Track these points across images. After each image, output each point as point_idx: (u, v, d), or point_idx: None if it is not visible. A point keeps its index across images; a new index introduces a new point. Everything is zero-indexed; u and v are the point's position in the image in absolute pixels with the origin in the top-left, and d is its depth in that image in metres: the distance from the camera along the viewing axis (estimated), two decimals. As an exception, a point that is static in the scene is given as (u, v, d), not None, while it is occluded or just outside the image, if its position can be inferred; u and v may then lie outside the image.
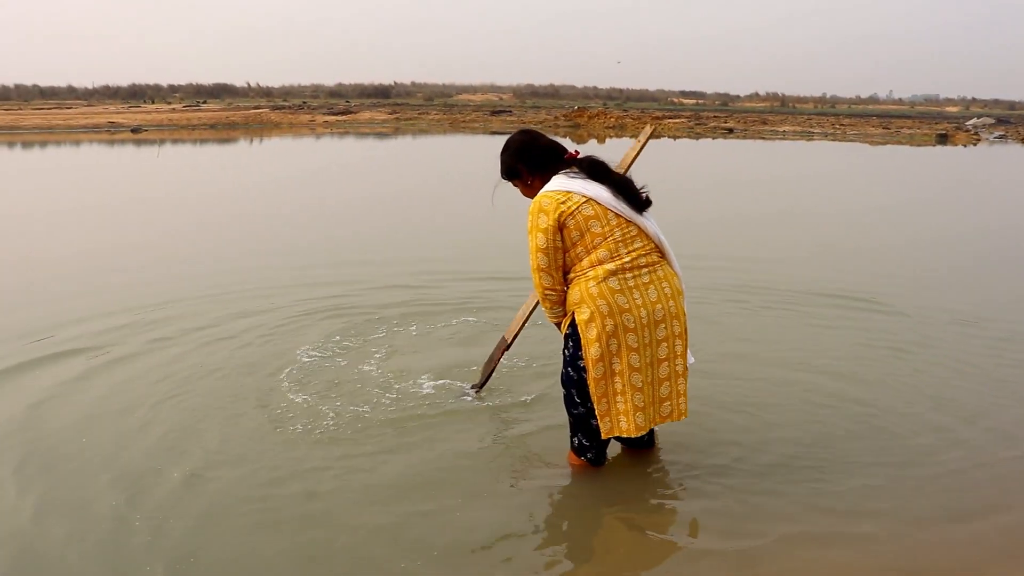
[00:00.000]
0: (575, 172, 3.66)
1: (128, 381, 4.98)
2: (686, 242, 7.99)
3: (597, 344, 3.50)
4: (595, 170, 3.67)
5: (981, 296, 7.40)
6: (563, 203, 3.54)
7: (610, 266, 3.51)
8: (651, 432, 4.06)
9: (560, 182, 3.62)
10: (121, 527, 3.39)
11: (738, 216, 12.27)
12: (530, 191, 3.80)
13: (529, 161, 3.78)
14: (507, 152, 3.84)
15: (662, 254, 3.69)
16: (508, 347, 4.68)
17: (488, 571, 3.20)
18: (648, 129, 4.27)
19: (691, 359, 3.75)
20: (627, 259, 3.54)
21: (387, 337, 5.83)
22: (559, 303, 3.69)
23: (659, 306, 3.54)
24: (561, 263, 3.60)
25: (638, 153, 4.20)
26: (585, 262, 3.55)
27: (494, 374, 4.82)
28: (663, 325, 3.55)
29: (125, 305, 6.52)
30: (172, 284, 7.29)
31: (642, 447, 4.09)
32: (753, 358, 5.54)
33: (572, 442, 3.87)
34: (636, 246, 3.58)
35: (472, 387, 4.83)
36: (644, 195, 3.69)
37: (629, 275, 3.52)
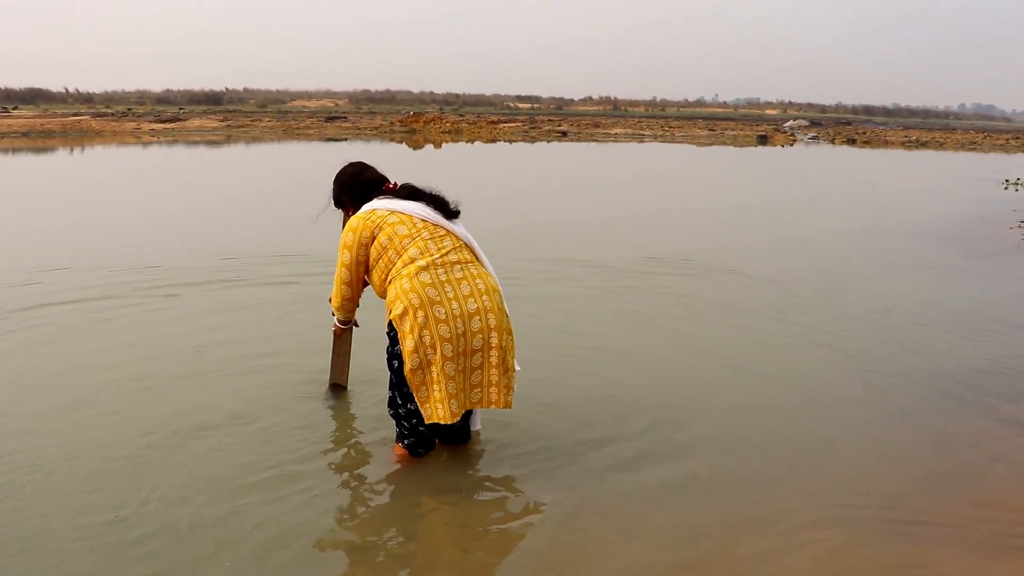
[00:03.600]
0: (387, 197, 4.01)
1: None
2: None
3: (411, 336, 3.69)
4: (409, 193, 4.02)
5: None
6: (368, 219, 3.90)
7: (421, 262, 3.76)
8: (467, 428, 4.23)
9: (369, 205, 3.99)
10: None
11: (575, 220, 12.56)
12: None
13: (352, 193, 4.15)
14: (335, 184, 4.22)
15: (474, 254, 3.98)
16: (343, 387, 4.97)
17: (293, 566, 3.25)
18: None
19: (518, 367, 3.99)
20: (437, 255, 3.80)
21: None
22: (351, 312, 4.28)
23: (471, 300, 3.75)
24: (361, 277, 4.00)
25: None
26: (399, 263, 3.80)
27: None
28: (477, 318, 3.74)
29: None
30: None
31: (457, 442, 4.25)
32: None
33: (396, 431, 4.08)
34: (446, 244, 3.86)
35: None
36: (453, 207, 4.03)
37: (441, 271, 3.76)
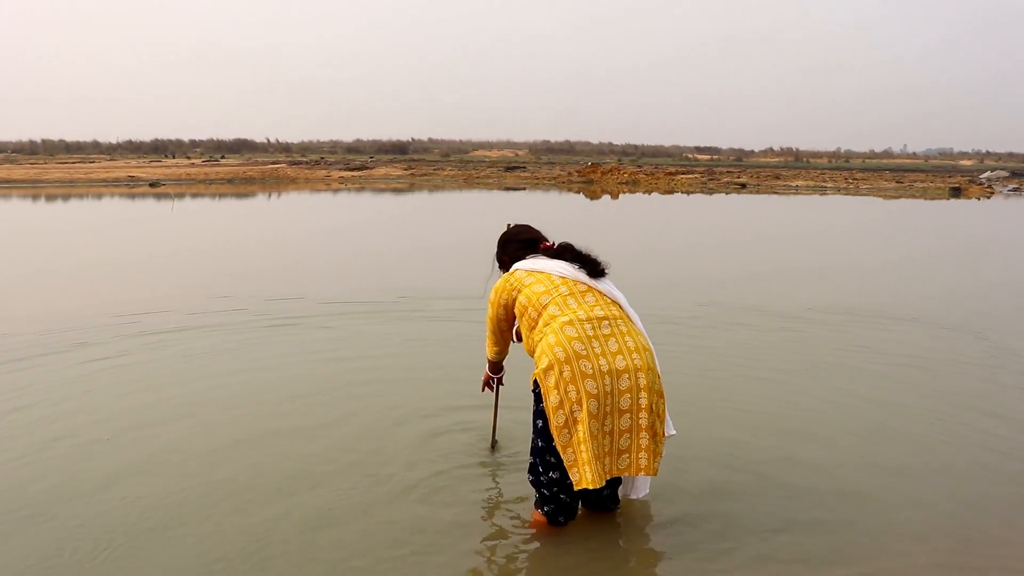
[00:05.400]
0: (537, 256, 3.95)
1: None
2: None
3: (556, 391, 3.50)
4: (558, 252, 3.95)
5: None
6: (507, 281, 3.89)
7: (564, 319, 3.60)
8: (615, 495, 3.93)
9: (516, 265, 3.96)
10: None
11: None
12: None
13: (508, 252, 4.14)
14: (497, 245, 4.24)
15: (621, 310, 3.77)
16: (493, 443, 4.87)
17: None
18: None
19: (671, 430, 3.77)
20: (580, 311, 3.64)
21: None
22: (500, 359, 4.32)
23: (620, 357, 3.53)
24: (505, 332, 4.10)
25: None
26: (540, 322, 3.69)
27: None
28: (626, 376, 3.52)
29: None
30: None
31: (603, 509, 3.95)
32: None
33: (535, 496, 3.82)
34: (588, 300, 3.71)
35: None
36: (601, 265, 3.89)
37: (588, 325, 3.59)
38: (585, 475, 3.47)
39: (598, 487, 3.49)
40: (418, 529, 3.84)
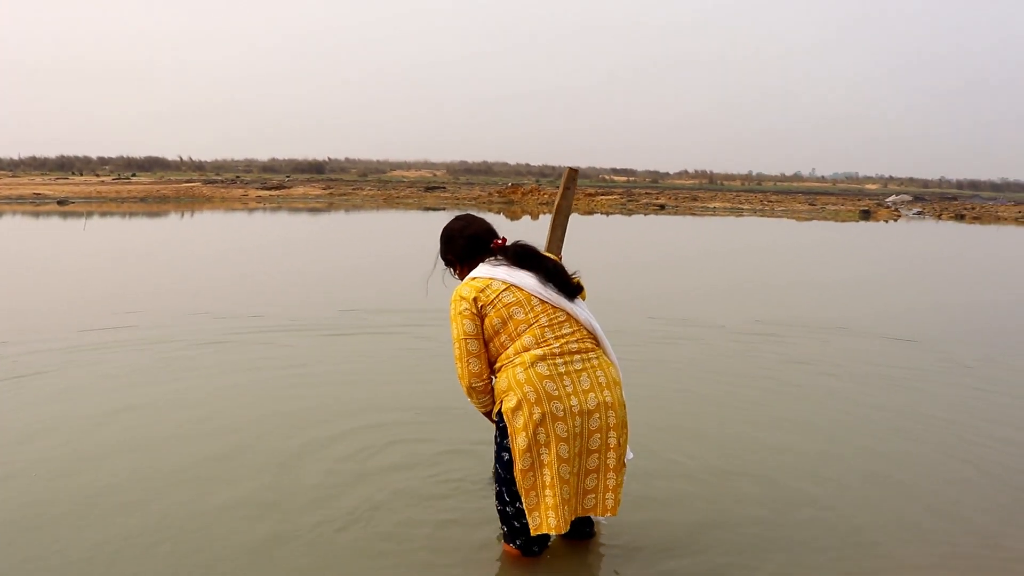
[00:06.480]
0: (499, 260, 3.55)
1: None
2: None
3: (524, 434, 3.29)
4: (522, 257, 3.56)
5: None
6: (482, 291, 3.44)
7: (538, 352, 3.35)
8: (590, 521, 3.79)
9: (482, 270, 3.53)
10: None
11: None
12: (462, 278, 3.70)
13: (455, 250, 3.71)
14: (441, 239, 3.76)
15: (596, 342, 3.53)
16: None
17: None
18: (566, 172, 4.29)
19: (630, 455, 3.58)
20: (556, 345, 3.38)
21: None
22: (485, 392, 3.52)
23: (592, 395, 3.35)
24: (483, 350, 3.46)
25: (561, 197, 4.32)
26: (511, 350, 3.40)
27: None
28: (596, 415, 3.34)
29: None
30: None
31: (580, 537, 3.78)
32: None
33: (502, 529, 3.61)
34: (565, 331, 3.43)
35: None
36: (575, 281, 3.58)
37: (560, 360, 3.36)
38: (547, 520, 3.32)
39: (561, 533, 3.33)
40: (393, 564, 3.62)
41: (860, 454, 5.14)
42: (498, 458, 3.47)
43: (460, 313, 3.44)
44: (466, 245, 3.68)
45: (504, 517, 3.55)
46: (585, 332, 3.49)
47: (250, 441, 5.06)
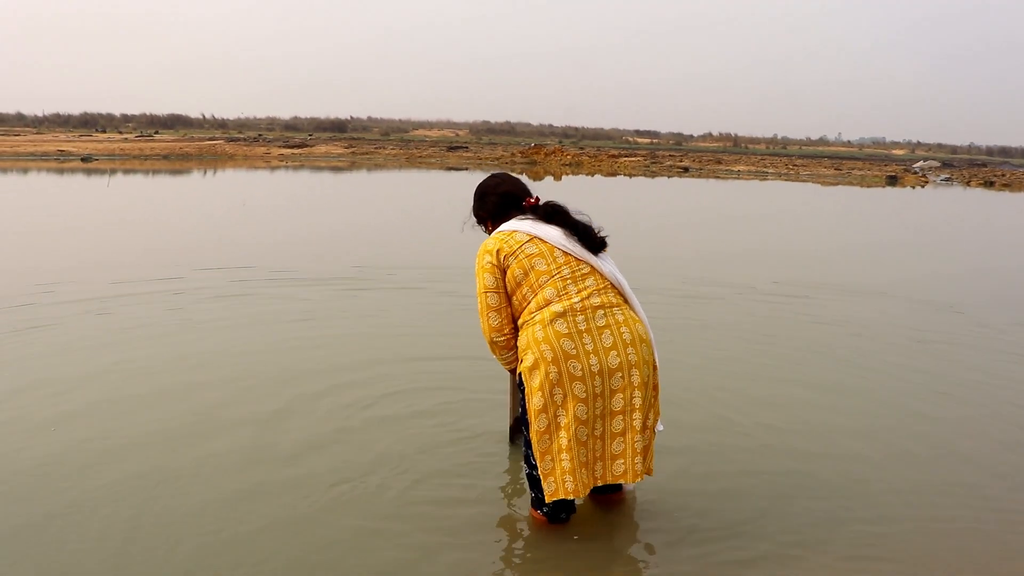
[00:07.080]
0: (527, 216, 3.54)
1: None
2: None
3: (540, 394, 3.24)
4: (550, 214, 3.53)
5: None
6: (504, 241, 3.42)
7: (558, 307, 3.29)
8: (619, 486, 3.70)
9: (507, 224, 3.52)
10: None
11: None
12: None
13: (487, 207, 3.70)
14: (474, 197, 3.77)
15: (622, 296, 3.46)
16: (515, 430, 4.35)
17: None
18: None
19: (660, 427, 3.51)
20: (576, 299, 3.32)
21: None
22: (508, 347, 3.49)
23: (613, 353, 3.26)
24: (504, 304, 3.43)
25: None
26: (532, 304, 3.34)
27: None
28: (619, 374, 3.26)
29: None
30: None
31: (609, 491, 3.71)
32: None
33: (531, 495, 3.55)
34: (587, 284, 3.37)
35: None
36: (600, 237, 3.52)
37: (580, 317, 3.28)
38: (563, 486, 3.26)
39: (579, 498, 3.29)
40: (424, 528, 3.55)
41: (911, 418, 5.09)
42: (523, 420, 3.41)
43: (483, 267, 3.42)
44: (499, 202, 3.66)
45: (531, 481, 3.48)
46: (609, 284, 3.43)
47: (277, 389, 5.19)
